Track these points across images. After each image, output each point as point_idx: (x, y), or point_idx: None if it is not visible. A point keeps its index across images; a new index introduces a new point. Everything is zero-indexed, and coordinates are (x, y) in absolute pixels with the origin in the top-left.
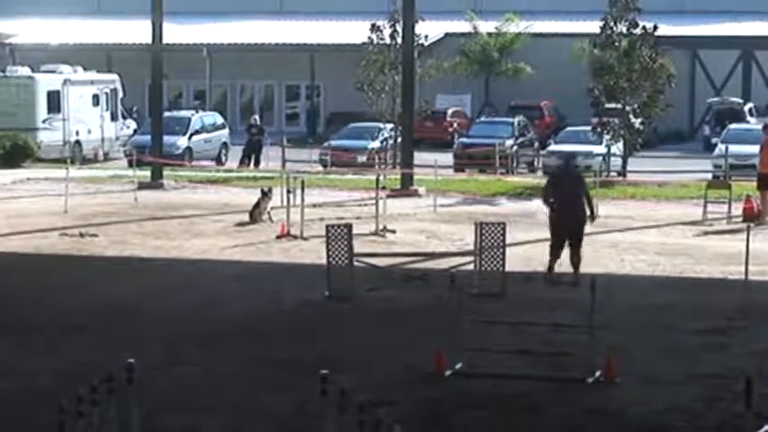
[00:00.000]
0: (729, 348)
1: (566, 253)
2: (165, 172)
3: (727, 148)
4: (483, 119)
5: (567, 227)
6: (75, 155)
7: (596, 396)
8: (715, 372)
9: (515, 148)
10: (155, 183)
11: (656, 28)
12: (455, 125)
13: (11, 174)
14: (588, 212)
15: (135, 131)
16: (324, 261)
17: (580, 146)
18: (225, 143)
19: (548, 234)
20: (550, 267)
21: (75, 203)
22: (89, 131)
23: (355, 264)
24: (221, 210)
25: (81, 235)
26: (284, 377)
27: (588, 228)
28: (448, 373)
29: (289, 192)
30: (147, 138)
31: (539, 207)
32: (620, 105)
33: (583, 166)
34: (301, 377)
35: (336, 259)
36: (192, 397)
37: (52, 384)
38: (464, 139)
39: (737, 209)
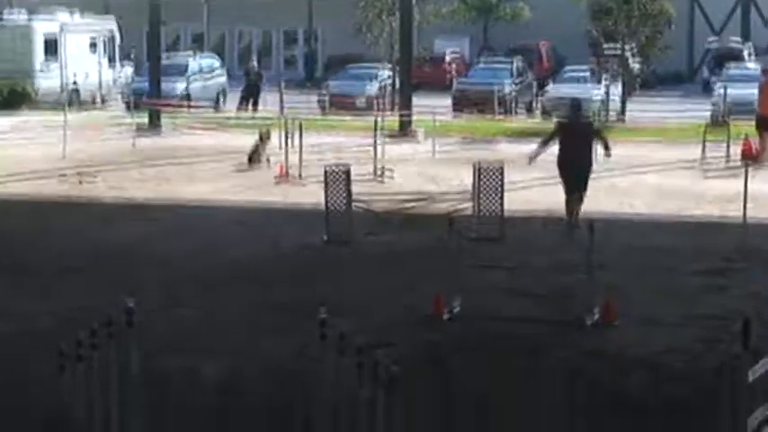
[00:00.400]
0: (728, 290)
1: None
2: (163, 116)
3: (725, 90)
4: (481, 62)
5: (573, 178)
6: (72, 100)
7: (595, 338)
8: (714, 313)
9: (514, 90)
10: (153, 127)
11: None
12: (453, 69)
13: (9, 119)
14: (603, 146)
15: (133, 76)
16: (322, 204)
17: (578, 87)
18: (223, 87)
19: (545, 175)
20: (569, 213)
21: (74, 149)
22: (87, 76)
23: (354, 207)
24: (219, 154)
25: (79, 180)
26: (283, 321)
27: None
28: (446, 315)
29: (287, 135)
30: (145, 82)
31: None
32: (618, 47)
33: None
34: (300, 321)
35: (335, 203)
36: (191, 340)
37: (51, 327)
38: (462, 83)
39: (736, 150)
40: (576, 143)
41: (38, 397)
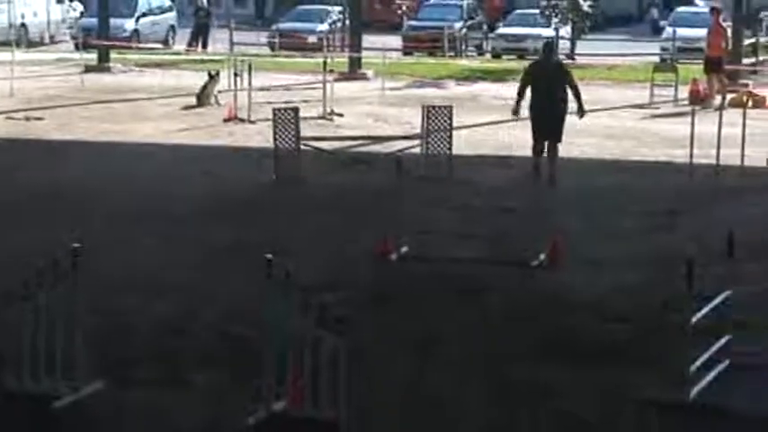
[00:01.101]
0: (674, 230)
1: None
2: (112, 55)
3: (674, 32)
4: (432, 2)
5: (545, 123)
6: (20, 38)
7: (541, 279)
8: (659, 254)
9: (464, 30)
10: (101, 66)
11: None
12: (404, 8)
13: None
14: (577, 107)
15: (81, 14)
16: (271, 145)
17: (529, 29)
18: (172, 26)
19: (494, 117)
20: (535, 166)
21: (21, 87)
22: (35, 14)
23: (302, 147)
24: (168, 93)
25: (26, 118)
26: (231, 259)
27: None
28: (393, 256)
29: (236, 74)
30: (94, 20)
31: (483, 90)
32: None
33: (531, 49)
34: (248, 259)
35: (283, 143)
36: (141, 278)
37: None
38: (413, 22)
39: (684, 92)
40: (547, 86)
41: None
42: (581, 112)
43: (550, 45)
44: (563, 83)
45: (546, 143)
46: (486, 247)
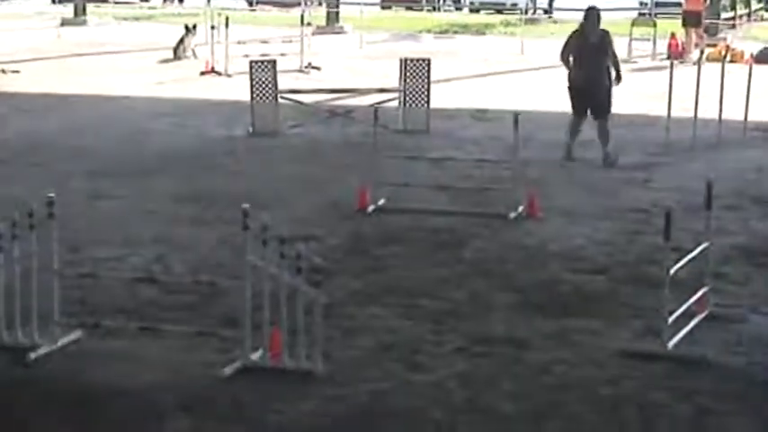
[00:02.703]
0: (651, 183)
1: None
2: (89, 8)
3: None
4: None
5: (590, 99)
6: None
7: (518, 231)
8: (636, 206)
9: None
10: (78, 19)
11: None
12: None
13: None
14: (615, 75)
15: None
16: (248, 98)
17: None
18: None
19: (472, 70)
20: (569, 149)
21: None
22: None
23: (280, 100)
24: (145, 47)
25: (2, 71)
26: (207, 212)
27: (515, 65)
28: (371, 208)
29: (213, 28)
30: None
31: (462, 44)
32: None
33: (509, 3)
34: (224, 211)
35: (260, 96)
36: (116, 231)
37: None
38: None
39: (663, 47)
40: (593, 58)
41: None
42: (618, 79)
43: (598, 13)
44: (607, 53)
45: (593, 120)
46: (464, 200)
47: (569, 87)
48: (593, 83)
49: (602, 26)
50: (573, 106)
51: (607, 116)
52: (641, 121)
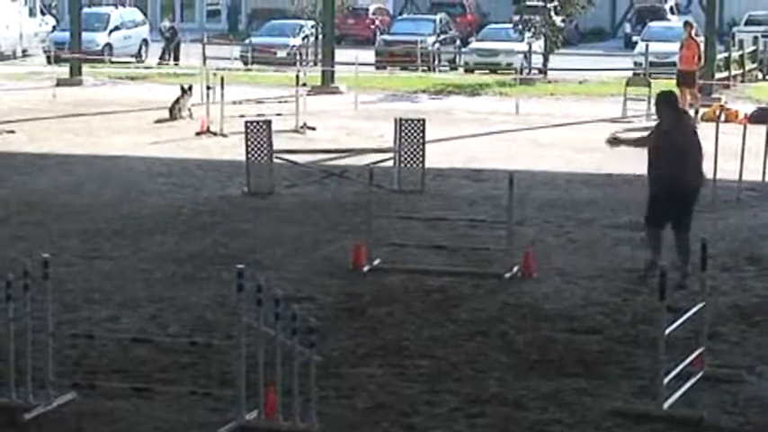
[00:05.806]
0: (645, 243)
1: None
2: (85, 68)
3: (647, 46)
4: (405, 16)
5: (673, 201)
6: None
7: (513, 291)
8: (630, 266)
9: (437, 45)
10: (74, 79)
11: None
12: (377, 22)
13: None
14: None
15: (54, 28)
16: (244, 157)
17: (501, 43)
18: (145, 39)
19: (467, 130)
20: (652, 263)
21: None
22: (7, 28)
23: (275, 160)
24: (141, 106)
25: None
26: (202, 271)
27: (507, 125)
28: (366, 268)
29: (208, 88)
30: (66, 34)
31: (457, 104)
32: (541, 2)
33: (504, 64)
34: (220, 271)
35: (256, 155)
36: (112, 291)
37: None
38: (386, 37)
39: None
40: (680, 156)
41: None
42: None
43: (672, 98)
44: (698, 154)
45: (671, 225)
46: (459, 259)
47: (653, 185)
48: (683, 190)
49: (596, 86)
50: (651, 210)
51: (687, 227)
52: (635, 179)
